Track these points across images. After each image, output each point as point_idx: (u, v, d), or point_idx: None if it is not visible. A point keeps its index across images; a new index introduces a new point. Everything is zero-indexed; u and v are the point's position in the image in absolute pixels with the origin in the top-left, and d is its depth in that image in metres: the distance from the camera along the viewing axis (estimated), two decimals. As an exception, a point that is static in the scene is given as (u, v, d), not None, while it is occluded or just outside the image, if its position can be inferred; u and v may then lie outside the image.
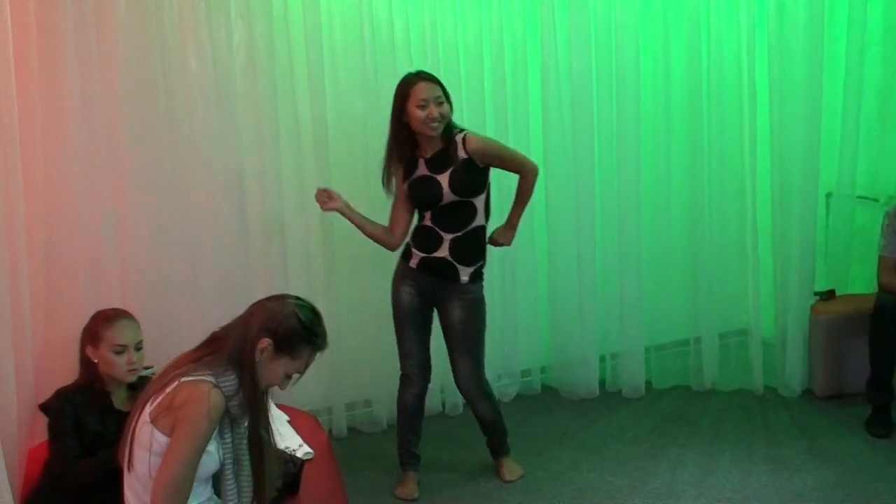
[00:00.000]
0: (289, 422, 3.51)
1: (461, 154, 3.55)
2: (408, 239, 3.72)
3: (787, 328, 4.61)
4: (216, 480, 2.41)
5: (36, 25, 3.34)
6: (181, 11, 3.78)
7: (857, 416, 4.23)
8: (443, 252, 3.60)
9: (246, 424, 2.38)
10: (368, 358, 4.42)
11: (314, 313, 2.42)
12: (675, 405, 4.58)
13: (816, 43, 4.43)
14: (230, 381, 2.30)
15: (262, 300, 2.43)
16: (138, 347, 3.04)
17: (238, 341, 2.33)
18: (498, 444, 3.91)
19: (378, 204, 4.17)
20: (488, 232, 3.73)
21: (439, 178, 3.55)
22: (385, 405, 4.46)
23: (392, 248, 3.77)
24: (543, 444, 4.17)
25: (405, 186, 3.64)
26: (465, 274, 3.62)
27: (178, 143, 3.85)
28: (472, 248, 3.62)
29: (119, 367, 2.98)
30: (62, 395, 2.97)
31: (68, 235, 3.57)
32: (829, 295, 4.64)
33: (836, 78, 4.57)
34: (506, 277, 4.58)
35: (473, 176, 3.56)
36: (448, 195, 3.54)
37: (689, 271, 4.74)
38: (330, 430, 4.38)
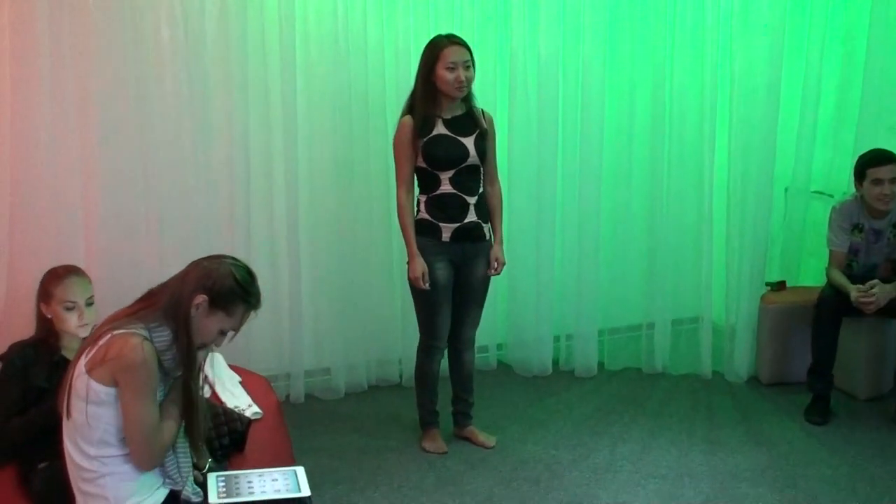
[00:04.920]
0: (241, 383, 3.62)
1: (483, 123, 3.76)
2: (425, 215, 3.73)
3: (738, 317, 4.74)
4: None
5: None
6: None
7: (797, 403, 4.37)
8: (472, 216, 3.74)
9: (178, 378, 2.47)
10: (329, 326, 4.53)
11: (249, 273, 2.52)
12: (624, 386, 4.71)
13: (778, 39, 4.54)
14: (164, 335, 2.39)
15: (199, 259, 2.51)
16: (89, 303, 3.13)
17: (174, 296, 2.42)
18: (469, 408, 4.05)
19: (344, 174, 4.30)
20: None
21: (464, 140, 3.68)
22: (342, 373, 4.58)
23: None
24: (492, 418, 4.29)
25: (419, 143, 3.67)
26: (487, 231, 3.81)
27: (149, 105, 3.93)
28: (486, 206, 3.81)
29: (70, 322, 3.07)
30: (14, 348, 3.06)
31: (33, 192, 3.66)
32: (779, 286, 4.77)
33: (797, 75, 4.68)
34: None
35: (486, 144, 3.78)
36: (472, 157, 3.70)
37: (646, 258, 4.86)
38: (287, 396, 4.50)
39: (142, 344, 2.33)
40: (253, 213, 4.27)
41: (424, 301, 3.80)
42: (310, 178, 4.33)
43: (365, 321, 4.55)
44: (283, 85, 4.19)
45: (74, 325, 3.09)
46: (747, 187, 4.69)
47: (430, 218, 3.73)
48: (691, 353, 4.87)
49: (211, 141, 4.12)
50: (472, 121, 3.75)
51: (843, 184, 4.69)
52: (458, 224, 3.72)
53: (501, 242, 3.89)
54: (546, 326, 4.84)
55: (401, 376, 4.72)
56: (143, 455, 2.38)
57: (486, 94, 4.50)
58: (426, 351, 3.90)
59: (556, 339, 4.93)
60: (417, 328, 3.92)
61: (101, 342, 2.36)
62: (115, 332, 2.37)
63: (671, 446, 4.00)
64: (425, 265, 3.68)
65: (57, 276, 3.15)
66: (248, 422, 3.28)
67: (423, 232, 3.74)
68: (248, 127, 4.17)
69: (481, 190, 3.79)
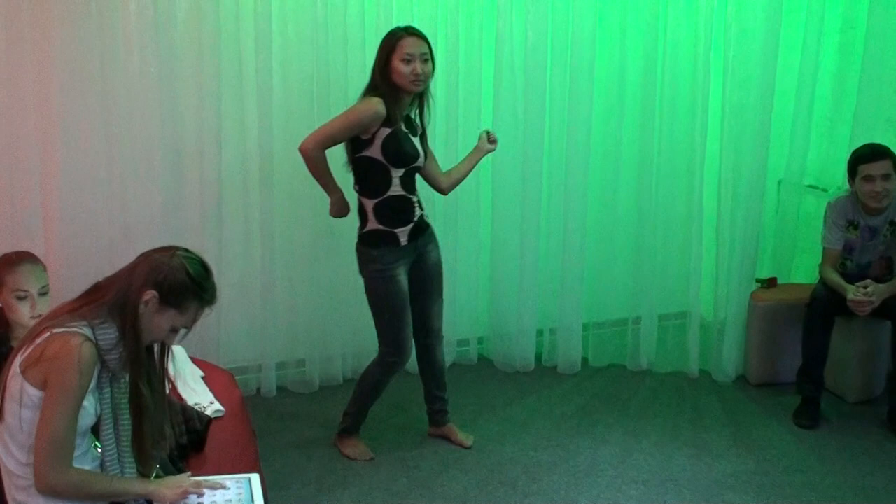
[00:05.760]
0: (203, 378, 3.46)
1: (422, 125, 3.63)
2: (376, 225, 3.50)
3: (727, 313, 4.58)
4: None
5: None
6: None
7: (786, 405, 4.22)
8: (418, 211, 3.59)
9: (128, 378, 2.30)
10: (304, 317, 4.37)
11: (203, 267, 2.34)
12: (608, 384, 4.55)
13: (773, 28, 4.35)
14: (109, 333, 2.22)
15: (150, 251, 2.33)
16: (43, 293, 2.97)
17: (121, 292, 2.25)
18: (445, 405, 3.90)
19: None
20: None
21: (414, 140, 3.54)
22: (317, 366, 4.43)
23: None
24: (471, 416, 4.14)
25: (381, 134, 3.41)
26: (426, 217, 3.67)
27: (113, 88, 3.77)
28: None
29: (21, 313, 2.91)
30: (-42, 340, 2.90)
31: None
32: (770, 282, 4.61)
33: (792, 65, 4.50)
34: (447, 246, 4.47)
35: (426, 146, 3.65)
36: (421, 159, 3.56)
37: (633, 250, 4.69)
38: (258, 389, 4.35)
39: (81, 345, 2.15)
40: (225, 198, 4.10)
41: (390, 313, 3.57)
42: (285, 164, 4.10)
43: (342, 311, 4.37)
44: (258, 72, 4.00)
45: (26, 315, 2.93)
46: (739, 179, 4.51)
47: (382, 227, 3.50)
48: (678, 350, 4.72)
49: (181, 130, 3.95)
50: (418, 121, 3.60)
51: (839, 178, 4.53)
52: (410, 225, 3.55)
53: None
54: (529, 319, 4.68)
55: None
56: (40, 469, 2.17)
57: (472, 78, 4.37)
58: (386, 366, 3.66)
59: (540, 332, 4.77)
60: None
61: (38, 340, 2.19)
62: (55, 329, 2.19)
63: (655, 450, 3.85)
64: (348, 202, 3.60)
65: (9, 263, 3.00)
66: (208, 420, 3.13)
67: (378, 244, 3.51)
68: (220, 115, 3.98)
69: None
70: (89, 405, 2.24)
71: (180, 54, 3.87)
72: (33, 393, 2.16)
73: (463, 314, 4.67)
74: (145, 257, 2.33)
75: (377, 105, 3.39)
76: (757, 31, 4.37)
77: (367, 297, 3.62)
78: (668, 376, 4.65)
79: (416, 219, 3.56)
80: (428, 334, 3.77)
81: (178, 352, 3.50)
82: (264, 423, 3.98)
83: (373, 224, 3.51)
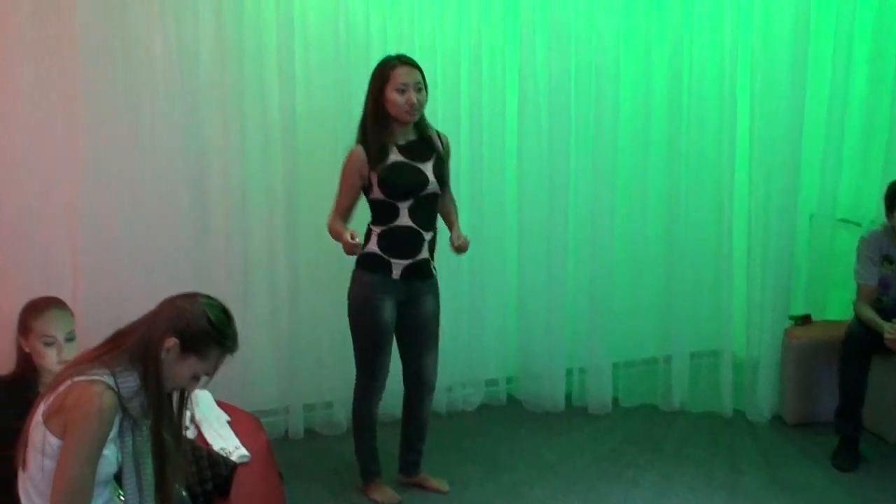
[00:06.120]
0: (229, 422, 3.43)
1: (440, 146, 3.52)
2: (375, 249, 3.46)
3: (760, 351, 4.49)
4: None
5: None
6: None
7: (824, 446, 4.12)
8: (424, 253, 3.48)
9: (149, 425, 2.28)
10: (331, 359, 4.31)
11: (225, 314, 2.32)
12: (640, 425, 4.47)
13: (800, 58, 4.31)
14: (130, 380, 2.21)
15: (172, 297, 2.33)
16: (70, 338, 2.96)
17: (143, 339, 2.24)
18: (419, 457, 3.81)
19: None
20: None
21: (421, 166, 3.44)
22: (346, 406, 4.36)
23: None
24: (500, 458, 4.08)
25: (375, 173, 3.41)
26: (433, 267, 3.57)
27: (137, 131, 3.79)
28: (435, 242, 3.56)
29: (48, 358, 2.91)
30: (-15, 388, 2.90)
31: (19, 223, 3.51)
32: (804, 319, 4.52)
33: (820, 95, 4.44)
34: (474, 284, 4.49)
35: (445, 169, 3.53)
36: (432, 184, 3.44)
37: (663, 287, 4.63)
38: (286, 431, 4.31)
39: (101, 394, 2.14)
40: (250, 235, 4.09)
41: (365, 339, 3.54)
42: (311, 198, 4.08)
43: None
44: (281, 95, 4.00)
45: (53, 361, 2.92)
46: (770, 214, 4.45)
47: (380, 253, 3.45)
48: (711, 389, 4.62)
49: (206, 160, 3.96)
50: (427, 145, 3.50)
51: (871, 211, 4.45)
52: (409, 261, 3.46)
53: (459, 227, 3.60)
54: (558, 359, 4.61)
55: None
56: None
57: (496, 106, 4.36)
58: (364, 392, 3.62)
59: (569, 372, 4.70)
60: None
61: (60, 389, 2.18)
62: (76, 378, 2.18)
63: (689, 494, 3.76)
64: (353, 230, 3.35)
65: (36, 309, 3.00)
66: (234, 466, 3.08)
67: (372, 267, 3.46)
68: (244, 143, 3.98)
69: (436, 224, 3.55)
70: (110, 454, 2.22)
71: (204, 96, 3.89)
72: (54, 442, 2.15)
73: (491, 353, 4.62)
74: (168, 303, 2.32)
75: (356, 154, 3.42)
76: (784, 62, 4.33)
77: (349, 321, 3.57)
78: (701, 416, 4.55)
79: (419, 257, 3.48)
80: (420, 386, 3.68)
81: (205, 396, 3.50)
82: (292, 466, 3.93)
83: (372, 247, 3.46)
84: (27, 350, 2.95)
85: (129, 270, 3.84)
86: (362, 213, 3.57)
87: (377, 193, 3.41)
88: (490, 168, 4.40)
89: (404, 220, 3.43)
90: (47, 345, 2.92)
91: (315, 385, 4.37)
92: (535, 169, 4.43)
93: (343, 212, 3.46)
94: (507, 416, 4.58)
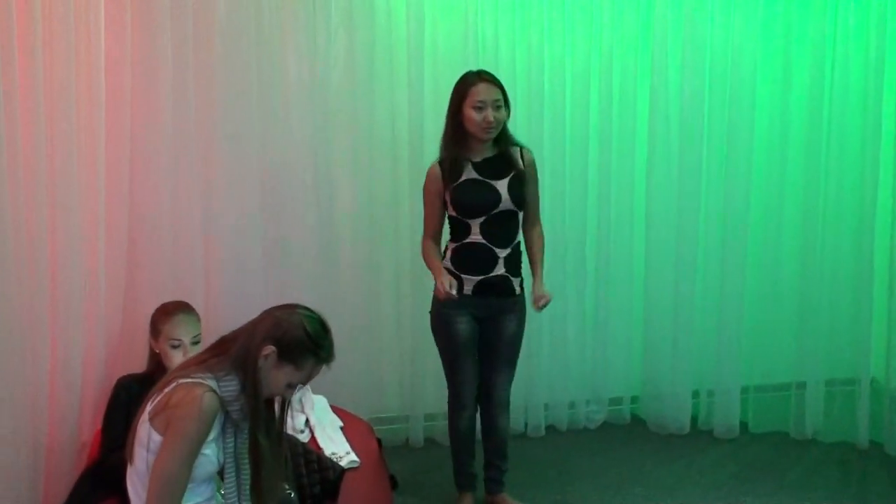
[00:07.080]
0: (342, 428, 3.56)
1: (520, 164, 3.48)
2: (448, 264, 3.48)
3: (902, 380, 4.25)
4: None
5: (132, 24, 3.49)
6: (281, 15, 3.88)
7: (969, 485, 3.86)
8: (500, 269, 3.46)
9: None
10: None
11: (322, 326, 2.44)
12: (767, 452, 4.31)
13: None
14: (231, 385, 2.35)
15: (272, 308, 2.47)
16: (195, 342, 3.14)
17: (243, 346, 2.38)
18: (501, 475, 3.75)
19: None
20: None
21: (496, 183, 3.43)
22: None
23: None
24: (619, 478, 4.04)
25: (448, 191, 3.44)
26: (517, 285, 3.53)
27: (270, 146, 3.94)
28: (519, 259, 3.54)
29: (175, 360, 3.08)
30: (119, 384, 3.12)
31: (154, 230, 3.70)
32: (952, 348, 4.24)
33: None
34: (599, 302, 4.47)
35: (525, 188, 3.48)
36: (506, 202, 3.41)
37: (798, 310, 4.47)
38: (406, 440, 4.41)
39: (203, 395, 2.29)
40: (377, 248, 4.21)
41: (443, 352, 3.58)
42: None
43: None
44: (409, 117, 4.11)
45: (179, 363, 3.11)
46: (914, 235, 4.21)
47: (452, 268, 3.46)
48: (846, 418, 4.40)
49: (333, 176, 4.09)
50: (505, 162, 3.45)
51: None
52: (482, 276, 3.44)
53: (542, 280, 3.53)
54: (684, 380, 4.52)
55: (526, 424, 4.52)
56: (155, 499, 2.29)
57: (626, 126, 4.33)
58: (452, 408, 3.65)
59: (696, 394, 4.59)
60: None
61: (166, 390, 2.35)
62: (182, 380, 2.35)
63: (809, 526, 3.62)
64: (453, 279, 3.35)
65: (165, 313, 3.19)
66: (342, 471, 3.21)
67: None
68: (372, 161, 4.12)
69: (516, 240, 3.51)
70: (211, 453, 2.37)
71: (334, 116, 4.03)
72: (157, 439, 2.31)
73: (615, 372, 4.58)
74: (268, 313, 2.46)
75: (432, 172, 3.47)
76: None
77: (433, 334, 3.62)
78: (833, 446, 4.35)
79: (492, 274, 3.46)
80: (490, 402, 3.65)
81: (320, 400, 3.66)
82: (410, 474, 4.04)
83: (446, 262, 3.49)
84: (157, 351, 3.17)
85: (258, 279, 3.99)
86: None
87: (451, 210, 3.46)
88: (619, 183, 4.39)
89: (476, 236, 3.44)
90: (174, 347, 3.11)
91: (437, 395, 4.45)
92: (663, 187, 4.38)
93: (432, 232, 3.53)
94: (630, 435, 4.53)
